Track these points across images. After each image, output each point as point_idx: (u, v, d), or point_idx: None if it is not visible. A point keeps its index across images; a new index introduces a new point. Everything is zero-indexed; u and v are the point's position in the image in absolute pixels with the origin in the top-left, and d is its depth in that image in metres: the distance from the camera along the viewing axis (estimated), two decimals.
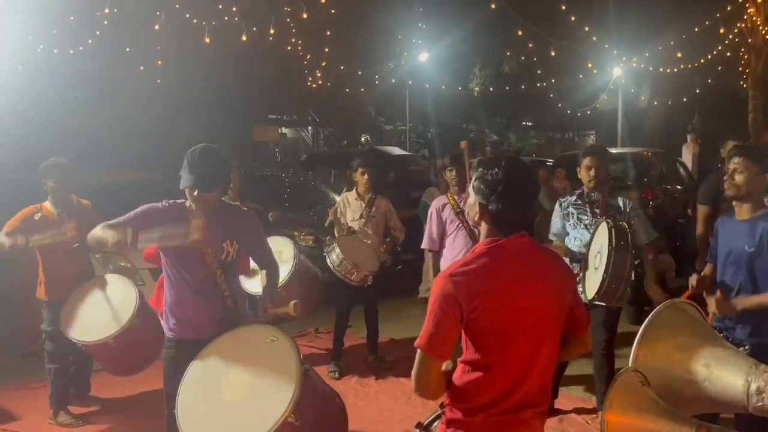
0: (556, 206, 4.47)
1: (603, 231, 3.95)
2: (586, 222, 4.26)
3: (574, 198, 4.40)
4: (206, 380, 2.95)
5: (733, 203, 3.21)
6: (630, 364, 2.20)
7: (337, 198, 5.97)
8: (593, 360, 4.45)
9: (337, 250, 5.18)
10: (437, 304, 1.97)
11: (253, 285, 4.71)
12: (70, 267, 4.50)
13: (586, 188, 4.36)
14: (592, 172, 4.26)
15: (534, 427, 2.06)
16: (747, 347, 2.77)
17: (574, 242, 4.29)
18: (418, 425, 2.29)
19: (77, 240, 4.47)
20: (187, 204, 3.10)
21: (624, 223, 3.96)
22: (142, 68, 11.58)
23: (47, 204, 4.58)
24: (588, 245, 4.11)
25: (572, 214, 4.35)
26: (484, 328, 1.97)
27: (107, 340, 3.98)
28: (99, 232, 2.95)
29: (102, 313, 4.15)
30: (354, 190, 5.68)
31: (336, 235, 5.56)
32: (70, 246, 4.44)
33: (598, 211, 4.25)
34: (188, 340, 3.08)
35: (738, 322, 3.07)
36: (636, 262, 6.64)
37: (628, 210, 4.28)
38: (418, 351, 2.00)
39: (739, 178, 3.09)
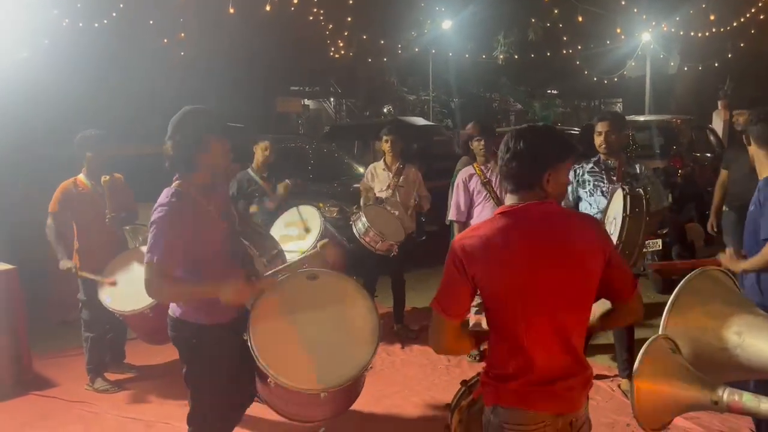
0: (570, 174, 4.44)
1: (618, 198, 3.94)
2: (603, 189, 4.25)
3: (590, 165, 4.38)
4: (282, 316, 2.98)
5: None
6: (660, 332, 2.19)
7: (362, 170, 5.98)
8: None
9: (363, 219, 5.20)
10: (447, 266, 2.03)
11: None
12: (104, 239, 4.62)
13: (600, 155, 4.35)
14: (602, 137, 4.27)
15: (569, 399, 2.04)
16: None
17: (590, 209, 4.28)
18: (464, 383, 2.34)
19: (111, 212, 4.58)
20: (182, 187, 2.82)
21: (640, 190, 3.94)
22: (165, 41, 11.61)
23: (82, 177, 4.67)
24: (604, 211, 4.10)
25: (588, 181, 4.34)
26: (492, 293, 2.00)
27: (144, 310, 4.08)
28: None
29: (138, 283, 4.24)
30: (382, 160, 5.68)
31: (361, 204, 5.58)
32: (105, 218, 4.54)
33: (615, 177, 4.24)
34: (221, 325, 2.85)
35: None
36: (664, 231, 6.60)
37: (642, 177, 4.28)
38: (432, 310, 2.09)
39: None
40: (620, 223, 3.74)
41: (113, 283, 4.38)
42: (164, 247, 2.67)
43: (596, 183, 4.31)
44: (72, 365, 5.07)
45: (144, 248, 4.43)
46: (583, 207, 4.34)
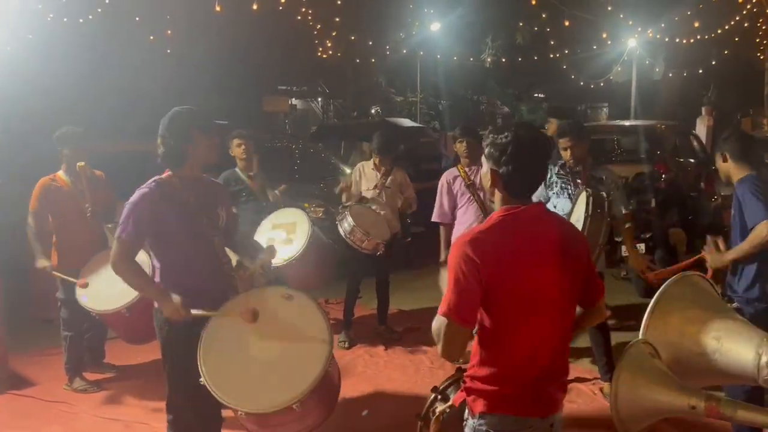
0: None
1: (582, 200, 4.03)
2: (570, 192, 4.34)
3: (556, 168, 4.46)
4: (231, 343, 2.93)
5: None
6: (640, 337, 2.20)
7: (348, 170, 5.96)
8: (588, 332, 4.48)
9: (349, 218, 5.18)
10: (458, 269, 1.92)
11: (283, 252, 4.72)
12: (83, 236, 4.56)
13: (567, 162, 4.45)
14: (568, 153, 4.38)
15: (554, 402, 2.07)
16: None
17: (555, 210, 4.33)
18: (434, 389, 2.31)
19: (91, 210, 4.53)
20: (165, 176, 3.02)
21: (603, 193, 4.01)
22: (152, 38, 11.51)
23: (61, 174, 4.62)
24: (569, 214, 4.15)
25: (555, 183, 4.43)
26: (498, 296, 1.95)
27: (120, 310, 4.03)
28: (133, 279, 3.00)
29: (116, 282, 4.18)
30: (371, 160, 5.67)
31: (344, 202, 5.56)
32: (84, 216, 4.49)
33: (580, 181, 4.32)
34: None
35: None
36: (648, 236, 6.64)
37: (609, 182, 4.38)
38: (444, 319, 1.93)
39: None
40: (582, 223, 3.80)
41: (84, 285, 4.32)
42: (131, 227, 2.88)
43: (563, 186, 4.40)
44: (51, 364, 5.00)
45: None
46: (549, 208, 4.39)
